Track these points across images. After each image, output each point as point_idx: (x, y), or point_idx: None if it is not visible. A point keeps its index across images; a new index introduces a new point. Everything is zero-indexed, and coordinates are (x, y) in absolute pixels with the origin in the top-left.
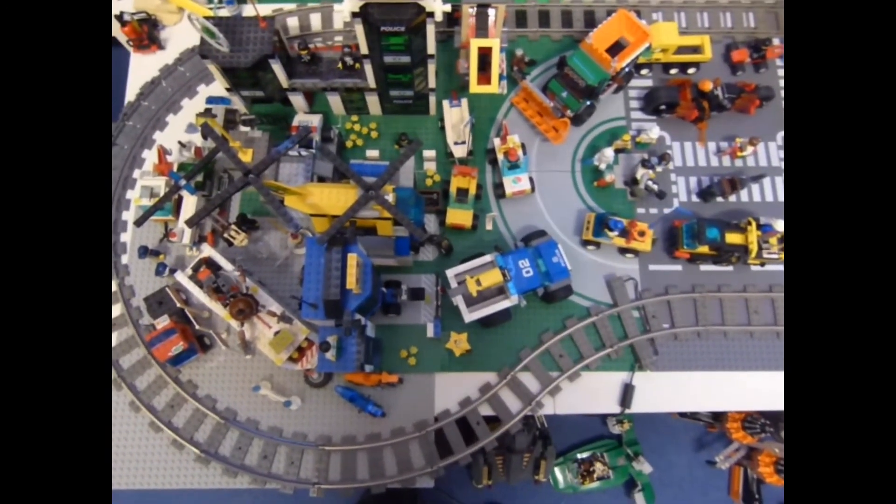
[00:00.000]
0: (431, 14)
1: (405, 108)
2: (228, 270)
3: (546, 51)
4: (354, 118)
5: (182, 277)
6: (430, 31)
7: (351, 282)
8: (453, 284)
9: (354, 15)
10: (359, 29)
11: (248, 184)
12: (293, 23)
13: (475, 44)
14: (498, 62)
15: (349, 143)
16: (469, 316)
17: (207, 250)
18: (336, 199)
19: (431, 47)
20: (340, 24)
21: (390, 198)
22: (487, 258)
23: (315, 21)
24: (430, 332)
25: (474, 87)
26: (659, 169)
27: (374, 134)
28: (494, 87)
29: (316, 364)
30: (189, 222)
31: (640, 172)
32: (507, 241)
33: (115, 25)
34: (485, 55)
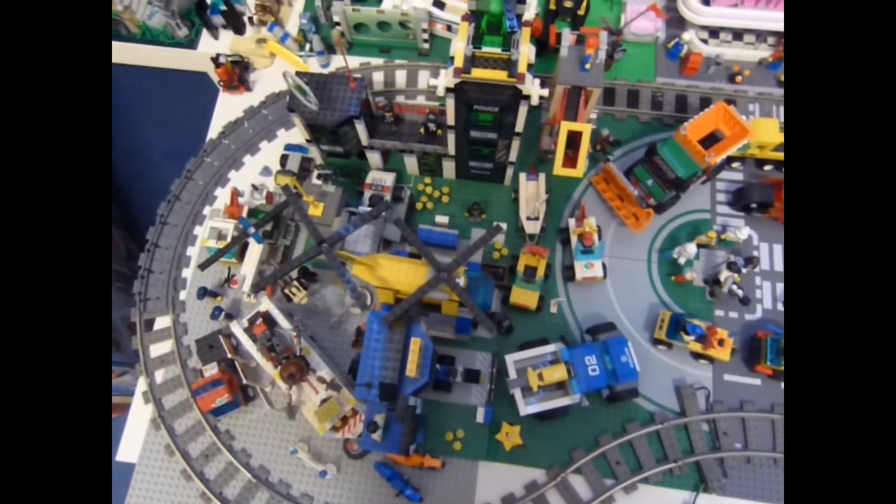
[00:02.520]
0: (527, 97)
1: (480, 177)
2: (284, 328)
3: (631, 132)
4: (427, 180)
5: (237, 329)
6: (522, 112)
7: (411, 368)
8: (512, 374)
9: (449, 90)
10: (450, 103)
11: (320, 252)
12: (378, 77)
13: (565, 126)
14: (587, 148)
15: (419, 205)
16: (526, 409)
17: (266, 304)
18: (405, 274)
19: (520, 126)
20: (425, 83)
21: (461, 281)
22: (551, 348)
23: (400, 77)
24: (479, 417)
25: (558, 170)
26: (744, 271)
27: (445, 199)
28: (579, 172)
29: (359, 436)
30: (255, 287)
31: (725, 275)
32: (572, 328)
33: (210, 66)
34: (573, 138)
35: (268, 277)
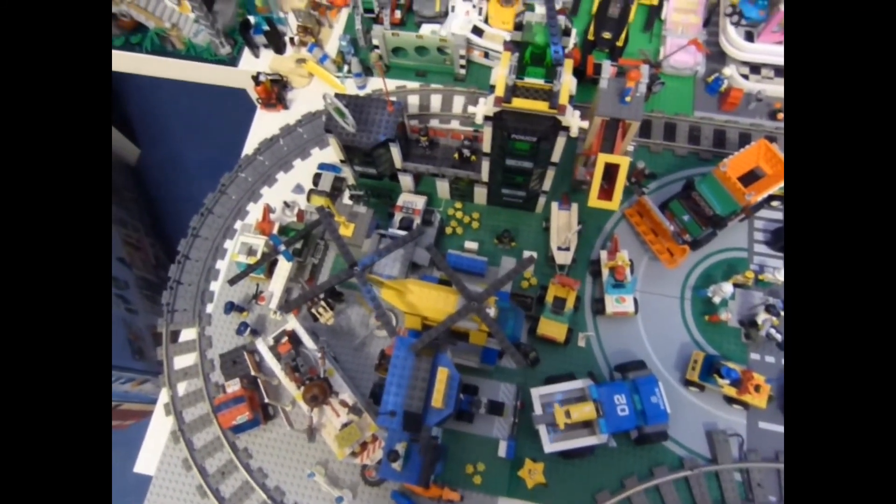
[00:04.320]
0: (566, 128)
1: (511, 204)
2: (309, 349)
3: (667, 165)
4: (458, 205)
5: (262, 347)
6: (560, 142)
7: (438, 398)
8: (538, 409)
9: (487, 118)
10: (488, 131)
11: (351, 275)
12: (413, 101)
13: (602, 158)
14: (623, 181)
15: (449, 230)
16: (550, 447)
17: (293, 323)
18: (434, 301)
19: (556, 157)
20: (459, 108)
21: (492, 311)
22: (579, 384)
23: (435, 101)
24: (501, 451)
25: (593, 202)
26: (783, 314)
27: (475, 224)
28: (615, 205)
29: (377, 463)
30: (285, 308)
31: (763, 317)
32: (600, 363)
33: (249, 83)
34: (609, 170)
35: (297, 298)
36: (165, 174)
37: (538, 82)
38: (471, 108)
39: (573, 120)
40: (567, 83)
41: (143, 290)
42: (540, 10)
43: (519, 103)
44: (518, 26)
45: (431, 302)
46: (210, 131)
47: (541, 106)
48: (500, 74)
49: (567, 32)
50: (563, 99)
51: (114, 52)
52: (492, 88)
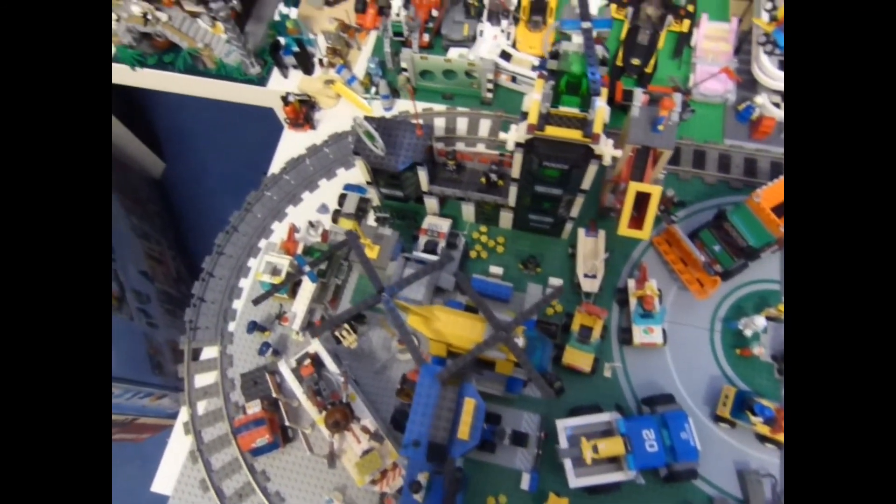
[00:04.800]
0: (598, 157)
1: (537, 229)
2: (332, 372)
3: (696, 192)
4: (483, 228)
5: (285, 368)
6: (592, 170)
7: (464, 430)
8: (563, 442)
9: (518, 145)
10: (518, 157)
11: (378, 301)
12: (439, 123)
13: (634, 187)
14: (655, 210)
15: (473, 254)
16: (576, 482)
17: (316, 345)
18: (462, 329)
19: (587, 184)
20: (486, 131)
21: (520, 341)
22: (606, 417)
23: (461, 124)
24: (524, 484)
25: (623, 230)
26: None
27: (500, 248)
28: (646, 235)
29: (397, 492)
30: (313, 332)
31: None
32: (626, 395)
33: (276, 103)
34: (640, 199)
35: (325, 323)
36: (189, 188)
37: (573, 111)
38: (502, 135)
39: (606, 149)
40: (601, 112)
41: (164, 305)
42: (577, 39)
43: (552, 131)
44: (554, 55)
45: (458, 329)
46: (233, 148)
47: (574, 134)
48: (534, 102)
49: (604, 62)
50: (598, 128)
51: (146, 70)
52: (523, 115)
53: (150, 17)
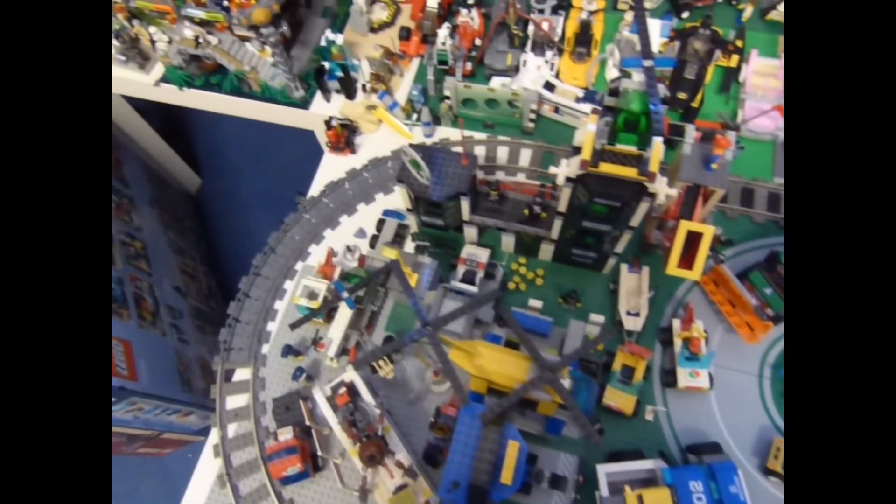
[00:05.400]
0: (652, 194)
1: (578, 263)
2: (367, 403)
3: (744, 232)
4: (522, 260)
5: (320, 397)
6: (643, 208)
7: (507, 475)
8: (604, 490)
9: (569, 179)
10: (566, 192)
11: (424, 335)
12: (479, 151)
13: (685, 226)
14: (707, 250)
15: (511, 285)
16: None
17: (351, 374)
18: (505, 367)
19: (636, 221)
20: (526, 161)
21: (566, 383)
22: (649, 465)
23: (502, 153)
24: None
25: (672, 270)
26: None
27: (539, 281)
28: (696, 275)
29: None
30: (356, 365)
31: None
32: (669, 441)
33: (317, 126)
34: (691, 238)
35: (368, 355)
36: (223, 204)
37: (630, 149)
38: (552, 169)
39: (661, 187)
40: (658, 150)
41: (195, 320)
42: (637, 77)
43: (607, 168)
44: (613, 92)
45: (502, 367)
46: (268, 165)
47: (630, 172)
48: (587, 137)
49: (666, 101)
50: (654, 166)
51: (193, 91)
52: (574, 149)
53: (201, 40)
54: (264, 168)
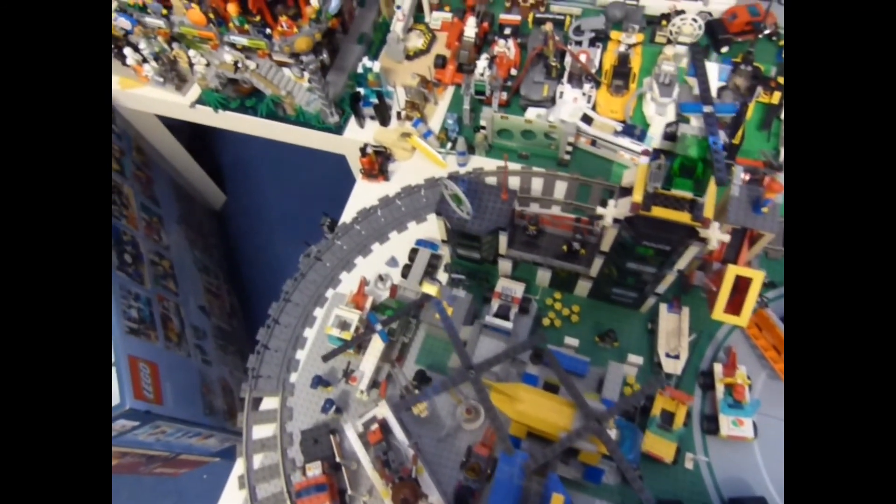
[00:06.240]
0: (703, 239)
1: (617, 301)
2: (400, 441)
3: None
4: (557, 295)
5: (351, 432)
6: (691, 251)
7: None
8: None
9: (616, 221)
10: (612, 232)
11: (466, 379)
12: (514, 182)
13: (733, 271)
14: (756, 296)
15: (546, 321)
16: None
17: (384, 410)
18: (547, 413)
19: (683, 264)
20: (561, 193)
21: (613, 433)
22: None
23: (536, 185)
24: None
25: (719, 315)
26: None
27: (574, 318)
28: (744, 321)
29: None
30: (395, 410)
31: None
32: (710, 491)
33: (350, 151)
34: (739, 282)
35: (411, 398)
36: (247, 222)
37: (685, 194)
38: (599, 209)
39: (714, 233)
40: (713, 195)
41: (218, 340)
42: (695, 122)
43: (659, 212)
44: (670, 136)
45: (544, 413)
46: (294, 185)
47: (682, 217)
48: (639, 179)
49: (727, 148)
50: (709, 212)
51: (228, 113)
52: (623, 190)
53: (240, 65)
54: (289, 187)
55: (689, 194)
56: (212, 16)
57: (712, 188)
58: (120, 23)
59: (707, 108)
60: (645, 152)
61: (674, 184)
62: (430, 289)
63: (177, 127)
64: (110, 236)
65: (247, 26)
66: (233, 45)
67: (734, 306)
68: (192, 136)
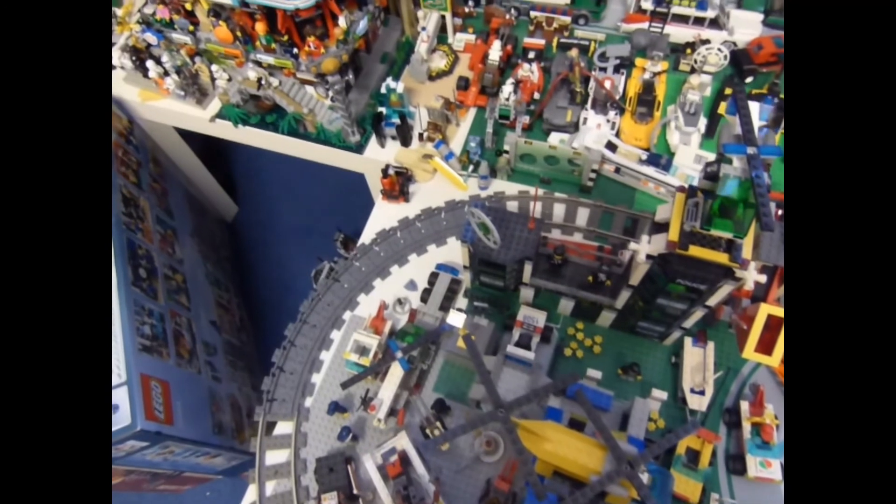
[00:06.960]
0: (738, 279)
1: (641, 334)
2: (419, 474)
3: None
4: (580, 325)
5: (370, 463)
6: (725, 290)
7: None
8: None
9: (650, 257)
10: (643, 268)
11: (496, 418)
12: (536, 208)
13: (765, 310)
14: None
15: (568, 351)
16: None
17: (404, 442)
18: (576, 454)
19: (714, 301)
20: (583, 220)
21: (645, 477)
22: None
23: (558, 210)
24: None
25: (749, 354)
26: None
27: (597, 349)
28: (775, 362)
29: None
30: (424, 449)
31: None
32: None
33: (370, 170)
34: (770, 321)
35: (439, 438)
36: (258, 234)
37: (724, 234)
38: (633, 245)
39: (751, 274)
40: (752, 236)
41: (227, 356)
42: (738, 163)
43: (696, 251)
44: (711, 176)
45: (573, 454)
46: (306, 199)
47: (720, 258)
48: (675, 217)
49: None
50: (748, 253)
51: (249, 128)
52: (657, 226)
53: (264, 81)
54: (302, 199)
55: (728, 234)
56: (239, 34)
57: (752, 232)
58: (146, 38)
59: (751, 150)
60: (681, 189)
61: (714, 224)
62: (456, 319)
63: (189, 136)
64: (110, 249)
65: (273, 45)
66: (258, 63)
67: (765, 345)
68: (205, 146)
